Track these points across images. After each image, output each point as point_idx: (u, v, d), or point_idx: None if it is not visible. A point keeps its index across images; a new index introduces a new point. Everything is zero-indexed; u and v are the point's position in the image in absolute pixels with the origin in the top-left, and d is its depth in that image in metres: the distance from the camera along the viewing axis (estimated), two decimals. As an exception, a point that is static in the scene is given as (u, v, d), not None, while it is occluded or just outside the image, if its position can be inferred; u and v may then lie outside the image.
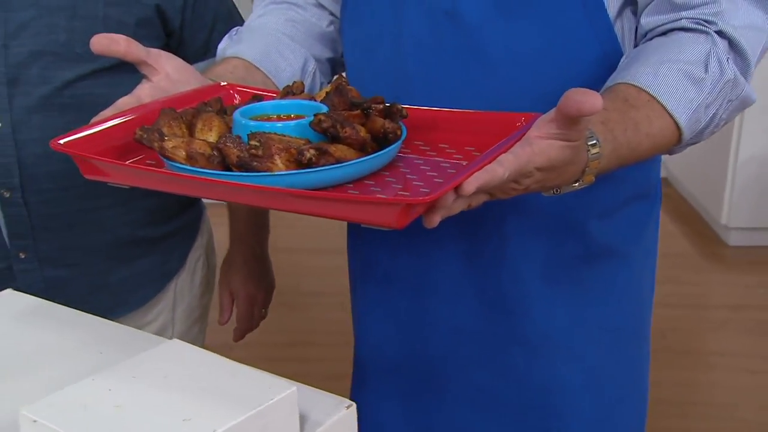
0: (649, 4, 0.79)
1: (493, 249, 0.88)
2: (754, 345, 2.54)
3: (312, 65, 0.96)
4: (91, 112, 1.01)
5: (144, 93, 0.76)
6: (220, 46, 0.99)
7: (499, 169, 0.58)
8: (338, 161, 0.62)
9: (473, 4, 0.80)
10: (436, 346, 0.93)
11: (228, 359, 0.58)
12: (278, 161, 0.61)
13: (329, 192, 0.62)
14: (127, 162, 0.69)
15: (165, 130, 0.67)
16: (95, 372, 0.61)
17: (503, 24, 0.80)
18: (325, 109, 0.70)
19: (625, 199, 0.88)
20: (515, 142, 0.63)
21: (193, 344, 0.60)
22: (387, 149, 0.66)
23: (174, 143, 0.64)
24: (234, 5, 1.19)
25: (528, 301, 0.88)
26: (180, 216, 1.19)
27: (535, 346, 0.89)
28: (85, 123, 1.03)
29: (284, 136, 0.64)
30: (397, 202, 0.56)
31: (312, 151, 0.61)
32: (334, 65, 1.02)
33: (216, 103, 0.74)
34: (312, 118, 0.66)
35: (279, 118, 0.71)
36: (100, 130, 0.70)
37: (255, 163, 0.61)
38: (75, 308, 0.77)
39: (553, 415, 0.90)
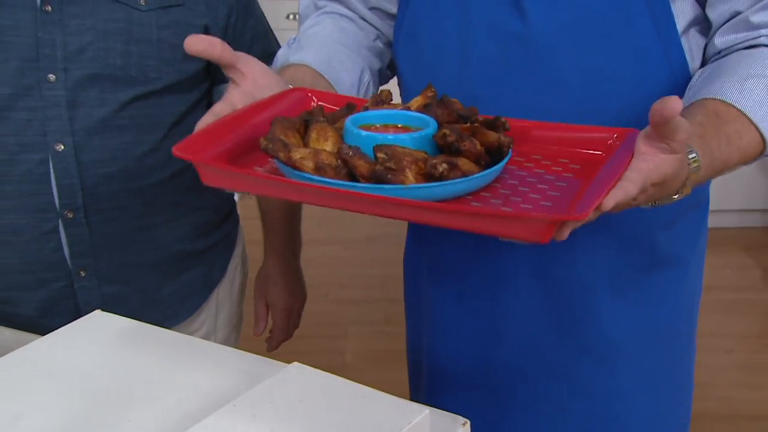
0: (723, 23, 0.81)
1: (562, 264, 0.90)
2: (726, 325, 2.67)
3: (368, 76, 0.98)
4: (145, 132, 1.05)
5: (236, 98, 0.77)
6: (280, 53, 1.00)
7: (631, 187, 0.61)
8: (464, 174, 0.64)
9: (543, 24, 0.82)
10: (506, 359, 0.96)
11: (352, 381, 0.63)
12: (409, 174, 0.63)
13: (479, 207, 0.64)
14: (235, 168, 0.69)
15: (284, 139, 0.69)
16: (215, 396, 0.66)
17: (573, 43, 0.82)
18: (431, 120, 0.71)
19: (685, 209, 0.91)
20: (627, 158, 0.65)
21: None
22: (502, 162, 0.68)
23: (302, 154, 0.65)
24: (269, 26, 1.23)
25: (596, 312, 0.91)
26: (220, 228, 1.22)
27: (601, 355, 0.92)
28: (140, 143, 1.06)
29: (405, 148, 0.66)
30: (546, 218, 0.58)
31: (444, 165, 0.63)
32: (382, 77, 1.04)
33: (320, 112, 0.76)
34: (426, 131, 0.69)
35: (386, 128, 0.72)
36: (211, 137, 0.71)
37: (389, 176, 0.62)
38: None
39: (613, 422, 0.94)
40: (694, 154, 0.69)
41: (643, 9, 0.80)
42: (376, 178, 0.63)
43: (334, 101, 0.82)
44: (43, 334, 0.95)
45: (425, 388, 1.07)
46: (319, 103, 0.81)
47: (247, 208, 1.30)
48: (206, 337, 1.21)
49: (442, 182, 0.63)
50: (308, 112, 0.74)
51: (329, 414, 0.58)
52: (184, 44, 0.75)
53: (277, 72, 0.90)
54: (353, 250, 3.31)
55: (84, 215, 1.04)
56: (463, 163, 0.65)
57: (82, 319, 0.79)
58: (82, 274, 1.06)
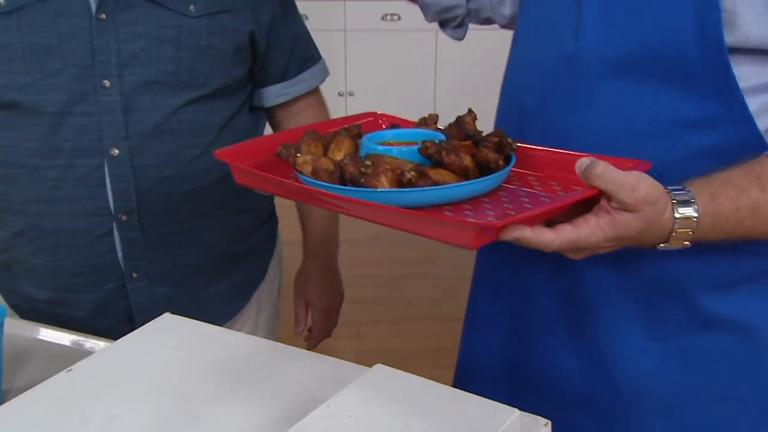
0: None
1: (587, 300, 0.87)
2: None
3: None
4: (195, 137, 1.07)
5: None
6: None
7: (550, 235, 0.65)
8: (436, 184, 0.68)
9: (593, 52, 0.80)
10: (532, 381, 0.93)
11: (437, 383, 0.65)
12: (384, 180, 0.68)
13: (415, 211, 0.66)
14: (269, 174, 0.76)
15: (303, 148, 0.77)
16: (300, 397, 0.68)
17: (618, 76, 0.79)
18: (441, 137, 0.77)
19: (752, 274, 0.83)
20: (577, 198, 0.68)
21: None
22: (487, 177, 0.71)
23: (304, 159, 0.73)
24: (308, 32, 1.25)
25: (623, 348, 0.86)
26: (261, 230, 1.24)
27: (628, 397, 0.87)
28: (191, 147, 1.09)
29: (396, 158, 0.72)
30: (466, 224, 0.63)
31: (412, 173, 0.68)
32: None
33: (354, 128, 0.82)
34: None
35: (398, 145, 0.77)
36: (251, 145, 0.82)
37: (362, 180, 0.68)
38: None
39: None
40: (687, 208, 0.71)
41: (696, 56, 0.76)
42: (352, 181, 0.69)
43: (399, 124, 0.87)
44: (96, 335, 0.97)
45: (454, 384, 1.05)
46: (381, 123, 0.89)
47: (281, 208, 1.31)
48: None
49: (411, 189, 0.68)
50: (346, 128, 0.81)
51: (422, 415, 0.60)
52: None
53: None
54: (360, 250, 3.33)
55: (137, 218, 1.05)
56: (438, 173, 0.69)
57: (154, 321, 0.81)
58: (134, 275, 1.08)
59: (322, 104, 1.28)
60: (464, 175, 0.71)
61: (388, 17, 4.14)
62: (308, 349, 1.31)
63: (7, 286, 1.15)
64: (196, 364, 0.74)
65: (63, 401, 0.68)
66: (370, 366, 0.68)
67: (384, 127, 0.87)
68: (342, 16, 4.09)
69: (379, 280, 3.02)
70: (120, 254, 1.06)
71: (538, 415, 0.60)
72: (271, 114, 1.25)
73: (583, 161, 0.69)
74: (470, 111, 0.84)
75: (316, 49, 1.26)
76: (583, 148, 0.77)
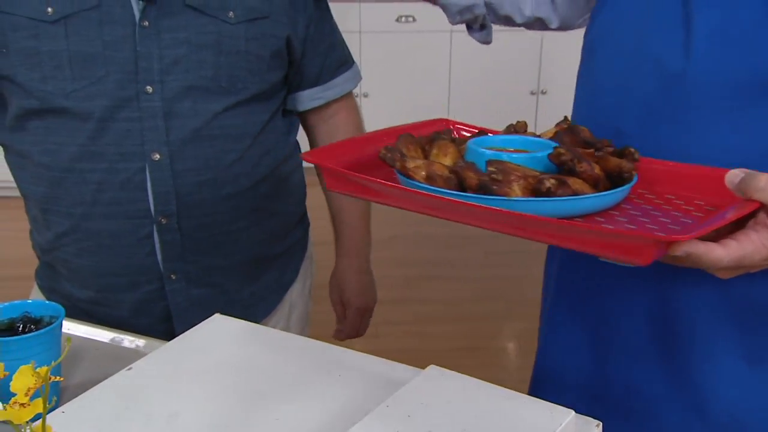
0: None
1: (682, 323, 0.83)
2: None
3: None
4: (233, 141, 1.09)
5: None
6: None
7: (720, 252, 0.61)
8: (575, 194, 0.64)
9: (706, 72, 0.77)
10: (614, 408, 0.90)
11: (489, 383, 0.67)
12: (516, 188, 0.64)
13: (580, 222, 0.63)
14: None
15: (404, 151, 0.73)
16: (355, 397, 0.70)
17: (734, 98, 0.76)
18: (553, 144, 0.72)
19: None
20: (744, 213, 0.63)
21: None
22: (623, 187, 0.67)
23: (415, 164, 0.68)
24: (341, 35, 1.27)
25: (717, 377, 0.82)
26: (294, 232, 1.26)
27: (719, 427, 0.83)
28: (229, 152, 1.10)
29: (520, 166, 0.67)
30: (651, 237, 0.58)
31: (552, 181, 0.63)
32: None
33: (448, 134, 0.80)
34: (545, 152, 0.70)
35: (509, 151, 0.73)
36: (340, 148, 0.77)
37: (494, 187, 0.64)
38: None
39: None
40: None
41: None
42: (483, 189, 0.65)
43: (470, 131, 0.85)
44: (135, 332, 0.99)
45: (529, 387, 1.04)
46: (454, 131, 0.84)
47: (312, 210, 1.34)
48: (280, 337, 1.26)
49: (549, 198, 0.63)
50: (438, 132, 0.78)
51: (480, 415, 0.62)
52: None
53: None
54: (376, 251, 3.36)
55: (177, 221, 1.08)
56: (575, 182, 0.65)
57: (205, 322, 0.83)
58: (173, 277, 1.10)
59: (355, 108, 1.30)
60: (595, 184, 0.67)
61: (403, 19, 4.16)
62: (336, 338, 1.33)
63: (49, 284, 1.17)
64: (250, 364, 0.76)
65: (125, 399, 0.70)
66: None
67: (455, 134, 0.84)
68: (357, 17, 4.11)
69: (396, 280, 3.04)
70: (159, 256, 1.09)
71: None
72: (303, 118, 1.27)
73: (735, 173, 0.65)
74: (566, 117, 0.81)
75: (350, 54, 1.28)
76: None
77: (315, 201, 1.36)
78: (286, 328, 1.28)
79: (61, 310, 0.84)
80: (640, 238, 0.58)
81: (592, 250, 0.59)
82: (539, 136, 0.78)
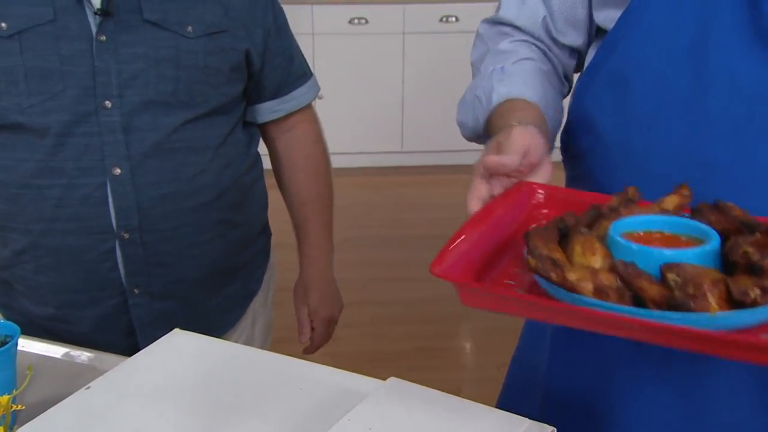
0: None
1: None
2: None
3: (561, 114, 0.91)
4: (194, 154, 1.10)
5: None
6: (495, 81, 0.89)
7: None
8: None
9: None
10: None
11: (448, 394, 0.68)
12: (712, 300, 0.56)
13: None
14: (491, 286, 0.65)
15: (545, 253, 0.62)
16: (318, 410, 0.70)
17: None
18: (706, 228, 0.64)
19: None
20: None
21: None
22: None
23: (579, 275, 0.59)
24: (299, 47, 1.27)
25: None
26: (257, 242, 1.27)
27: None
28: (191, 165, 1.09)
29: (696, 266, 0.59)
30: None
31: (757, 291, 0.56)
32: None
33: (573, 218, 0.69)
34: (713, 243, 0.62)
35: (650, 236, 0.65)
36: (460, 251, 0.65)
37: (692, 304, 0.56)
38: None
39: None
40: None
41: None
42: (674, 306, 0.56)
43: (563, 196, 0.76)
44: (97, 349, 0.99)
45: None
46: (546, 194, 0.76)
47: (275, 212, 1.35)
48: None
49: (754, 309, 0.56)
50: (561, 218, 0.68)
51: (441, 426, 0.63)
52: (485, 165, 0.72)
53: (495, 102, 0.86)
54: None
55: (139, 235, 1.07)
56: None
57: (164, 338, 0.83)
58: (136, 291, 1.10)
59: (314, 120, 1.31)
60: None
61: (356, 21, 4.16)
62: (307, 353, 1.34)
63: (4, 301, 1.16)
64: (211, 380, 0.76)
65: (86, 418, 0.70)
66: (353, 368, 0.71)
67: (539, 196, 0.75)
68: (309, 19, 4.10)
69: (352, 283, 3.05)
70: (122, 271, 1.08)
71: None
72: (263, 129, 1.28)
73: None
74: (686, 186, 0.71)
75: (308, 66, 1.29)
76: None
77: (278, 204, 1.37)
78: (250, 339, 1.28)
79: (17, 329, 0.83)
80: None
81: None
82: (662, 207, 0.70)
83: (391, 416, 0.64)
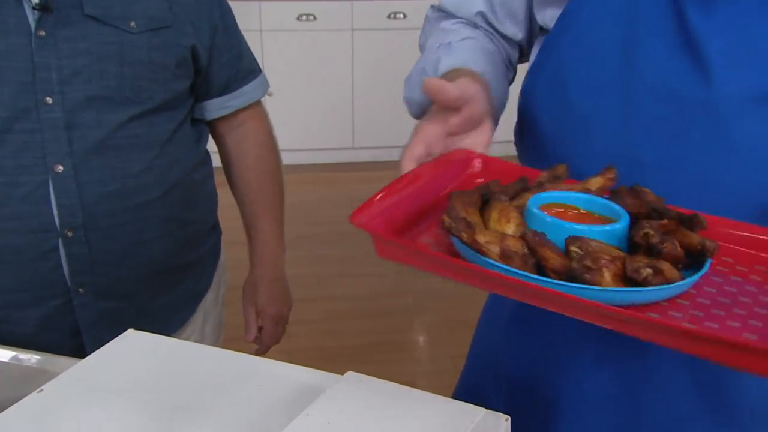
0: None
1: None
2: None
3: (506, 98, 0.92)
4: (140, 151, 1.07)
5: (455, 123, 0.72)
6: (442, 53, 0.89)
7: None
8: (666, 281, 0.58)
9: (732, 91, 0.76)
10: (644, 428, 0.88)
11: (405, 386, 0.69)
12: (607, 275, 0.57)
13: (712, 331, 0.56)
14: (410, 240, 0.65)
15: (461, 215, 0.63)
16: (274, 407, 0.70)
17: (765, 115, 0.75)
18: (620, 210, 0.66)
19: None
20: None
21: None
22: (704, 270, 0.61)
23: (487, 238, 0.60)
24: (247, 44, 1.26)
25: (743, 378, 0.83)
26: (206, 241, 1.25)
27: (744, 422, 0.85)
28: (136, 162, 1.08)
29: (599, 242, 0.60)
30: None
31: (648, 270, 0.57)
32: None
33: (497, 186, 0.70)
34: (621, 223, 0.63)
35: (566, 211, 0.67)
36: (383, 204, 0.65)
37: (586, 276, 0.57)
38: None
39: None
40: None
41: None
42: (571, 276, 0.58)
43: (499, 167, 0.76)
44: (40, 350, 0.96)
45: None
46: (482, 163, 0.75)
47: (220, 209, 1.33)
48: (194, 346, 1.25)
49: (643, 288, 0.57)
50: (486, 185, 0.70)
51: (400, 419, 0.63)
52: (425, 88, 0.70)
53: (442, 72, 0.85)
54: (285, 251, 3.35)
55: (83, 234, 1.05)
56: (666, 268, 0.59)
57: (118, 338, 0.82)
58: (80, 290, 1.07)
59: (264, 116, 1.30)
60: (677, 265, 0.60)
61: (304, 17, 4.15)
62: (258, 354, 1.33)
63: None
64: (166, 379, 0.75)
65: (39, 422, 0.68)
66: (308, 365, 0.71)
67: (478, 169, 0.75)
68: (257, 16, 4.07)
69: (305, 279, 3.04)
70: (66, 270, 1.06)
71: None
72: (212, 127, 1.26)
73: None
74: (612, 167, 0.73)
75: (257, 62, 1.27)
76: (720, 196, 0.73)
77: (227, 200, 1.35)
78: (201, 339, 1.27)
79: None
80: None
81: (707, 357, 0.53)
82: (587, 188, 0.71)
83: (350, 410, 0.64)
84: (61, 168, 1.01)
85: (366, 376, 0.69)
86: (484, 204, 0.68)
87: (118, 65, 1.03)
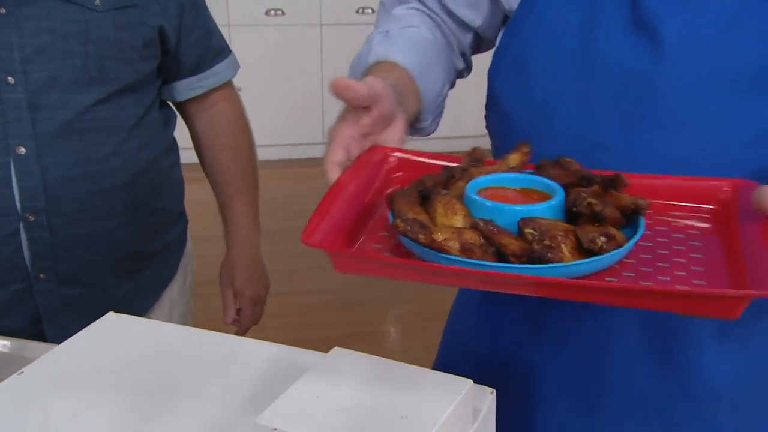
0: None
1: (676, 325, 0.84)
2: None
3: (447, 89, 0.92)
4: (106, 135, 1.06)
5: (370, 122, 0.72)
6: (374, 39, 0.89)
7: None
8: (618, 245, 0.59)
9: (685, 70, 0.77)
10: (607, 404, 0.90)
11: (392, 360, 0.68)
12: (566, 251, 0.59)
13: (676, 288, 0.58)
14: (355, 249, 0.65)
15: (410, 216, 0.63)
16: (259, 384, 0.70)
17: (717, 94, 0.76)
18: (550, 183, 0.67)
19: None
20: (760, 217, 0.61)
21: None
22: (642, 227, 0.63)
23: (445, 235, 0.60)
24: (216, 24, 1.25)
25: (700, 356, 0.85)
26: (173, 228, 1.23)
27: (704, 400, 0.87)
28: (102, 146, 1.05)
29: (548, 219, 0.62)
30: (741, 296, 0.53)
31: (602, 239, 0.59)
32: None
33: (429, 179, 0.70)
34: (559, 196, 0.65)
35: (504, 192, 0.68)
36: (328, 218, 0.64)
37: (549, 255, 0.58)
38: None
39: None
40: None
41: None
42: (533, 258, 0.59)
43: (414, 159, 0.75)
44: (3, 335, 0.94)
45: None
46: (399, 158, 0.75)
47: (189, 206, 1.31)
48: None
49: (600, 256, 0.59)
50: (420, 181, 0.69)
51: (389, 391, 0.63)
52: (333, 88, 0.69)
53: (370, 62, 0.85)
54: (256, 245, 3.33)
55: (46, 218, 1.02)
56: (614, 232, 0.61)
57: (98, 321, 0.80)
58: (42, 276, 1.05)
59: (235, 97, 1.28)
60: (615, 227, 0.62)
61: (272, 12, 4.12)
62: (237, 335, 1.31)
63: None
64: (149, 360, 0.74)
65: (21, 403, 0.67)
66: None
67: (393, 163, 0.75)
68: (225, 11, 4.04)
69: (278, 273, 3.01)
70: (27, 254, 1.02)
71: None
72: (183, 108, 1.24)
73: (765, 189, 0.61)
74: (525, 143, 0.74)
75: (226, 42, 1.26)
76: (674, 173, 0.73)
77: (193, 196, 1.34)
78: None
79: None
80: (731, 298, 0.54)
81: (681, 311, 0.56)
82: (507, 165, 0.73)
83: (339, 383, 0.64)
84: (23, 150, 0.98)
85: (352, 351, 0.69)
86: (423, 200, 0.68)
87: (83, 44, 1.00)
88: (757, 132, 0.76)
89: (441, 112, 0.92)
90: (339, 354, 0.70)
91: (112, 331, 0.79)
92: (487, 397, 0.69)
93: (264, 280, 1.34)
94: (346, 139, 0.71)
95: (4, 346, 0.91)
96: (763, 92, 0.76)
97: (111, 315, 0.81)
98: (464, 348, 1.04)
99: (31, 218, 1.01)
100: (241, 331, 1.32)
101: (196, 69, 1.19)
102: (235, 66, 1.26)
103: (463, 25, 0.95)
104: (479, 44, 0.99)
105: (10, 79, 0.97)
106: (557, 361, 0.92)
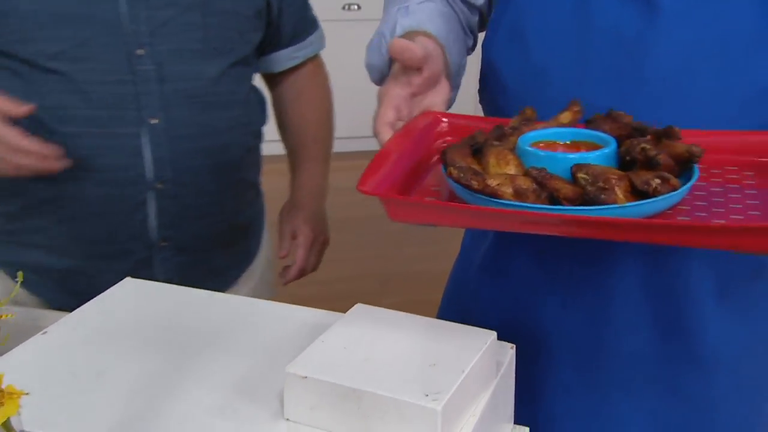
0: None
1: (671, 272, 0.86)
2: None
3: (465, 60, 0.92)
4: (226, 108, 1.08)
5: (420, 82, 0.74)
6: (400, 16, 0.88)
7: None
8: (673, 188, 0.60)
9: (678, 36, 0.77)
10: (609, 371, 0.91)
11: (419, 316, 0.69)
12: (619, 193, 0.60)
13: (735, 223, 0.60)
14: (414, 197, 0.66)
15: (465, 164, 0.64)
16: (286, 343, 0.70)
17: (709, 62, 0.77)
18: (602, 135, 0.69)
19: None
20: None
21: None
22: (696, 172, 0.64)
23: (498, 180, 0.61)
24: None
25: (701, 319, 0.86)
26: (257, 200, 1.28)
27: (703, 362, 0.88)
28: (220, 120, 1.07)
29: (600, 166, 0.63)
30: None
31: (657, 181, 0.60)
32: None
33: (480, 135, 0.72)
34: (611, 146, 0.66)
35: (554, 146, 0.69)
36: (384, 171, 0.66)
37: (603, 197, 0.59)
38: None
39: (710, 428, 0.92)
40: None
41: None
42: (587, 200, 0.60)
43: (464, 123, 0.77)
44: None
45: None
46: (450, 123, 0.77)
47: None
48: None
49: (656, 198, 0.60)
50: (471, 137, 0.71)
51: (414, 342, 0.64)
52: (392, 49, 0.71)
53: (398, 35, 0.84)
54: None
55: (172, 187, 1.06)
56: (669, 176, 0.62)
57: (116, 285, 0.81)
58: (163, 244, 1.09)
59: (323, 68, 1.32)
60: (671, 173, 0.63)
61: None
62: (286, 281, 1.29)
63: (9, 259, 1.08)
64: (172, 320, 0.75)
65: (46, 360, 0.67)
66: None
67: (445, 125, 0.77)
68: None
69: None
70: (154, 223, 1.07)
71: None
72: (276, 80, 1.28)
73: None
74: (577, 101, 0.76)
75: (313, 12, 1.30)
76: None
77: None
78: (255, 294, 1.25)
79: None
80: None
81: (732, 247, 0.56)
82: (560, 122, 0.74)
83: (364, 335, 0.65)
84: (155, 120, 1.00)
85: (375, 307, 0.70)
86: (474, 154, 0.70)
87: (202, 16, 1.04)
88: (753, 93, 0.77)
89: (459, 85, 0.91)
90: (362, 309, 0.71)
91: (132, 294, 0.79)
92: (508, 351, 0.70)
93: (325, 228, 1.34)
94: (397, 99, 0.72)
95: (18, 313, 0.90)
96: (759, 53, 0.76)
97: (128, 280, 0.82)
98: (462, 318, 1.06)
99: (160, 186, 1.06)
100: (294, 274, 1.29)
101: (294, 39, 1.24)
102: (324, 38, 1.30)
103: (470, 5, 0.96)
104: (482, 23, 1.00)
105: (140, 51, 1.01)
106: (559, 325, 0.92)
